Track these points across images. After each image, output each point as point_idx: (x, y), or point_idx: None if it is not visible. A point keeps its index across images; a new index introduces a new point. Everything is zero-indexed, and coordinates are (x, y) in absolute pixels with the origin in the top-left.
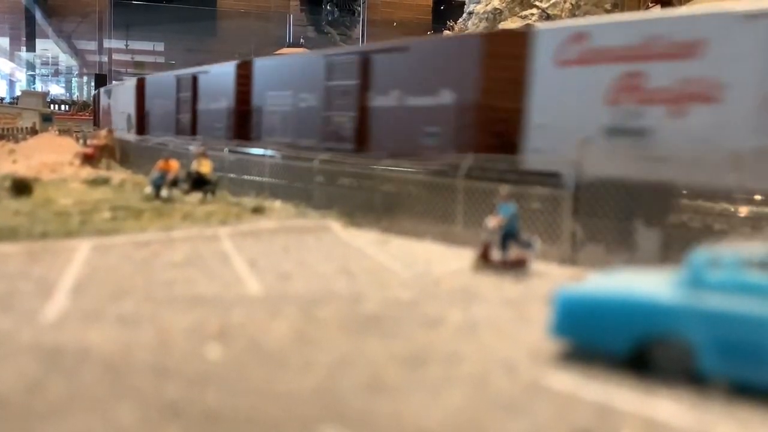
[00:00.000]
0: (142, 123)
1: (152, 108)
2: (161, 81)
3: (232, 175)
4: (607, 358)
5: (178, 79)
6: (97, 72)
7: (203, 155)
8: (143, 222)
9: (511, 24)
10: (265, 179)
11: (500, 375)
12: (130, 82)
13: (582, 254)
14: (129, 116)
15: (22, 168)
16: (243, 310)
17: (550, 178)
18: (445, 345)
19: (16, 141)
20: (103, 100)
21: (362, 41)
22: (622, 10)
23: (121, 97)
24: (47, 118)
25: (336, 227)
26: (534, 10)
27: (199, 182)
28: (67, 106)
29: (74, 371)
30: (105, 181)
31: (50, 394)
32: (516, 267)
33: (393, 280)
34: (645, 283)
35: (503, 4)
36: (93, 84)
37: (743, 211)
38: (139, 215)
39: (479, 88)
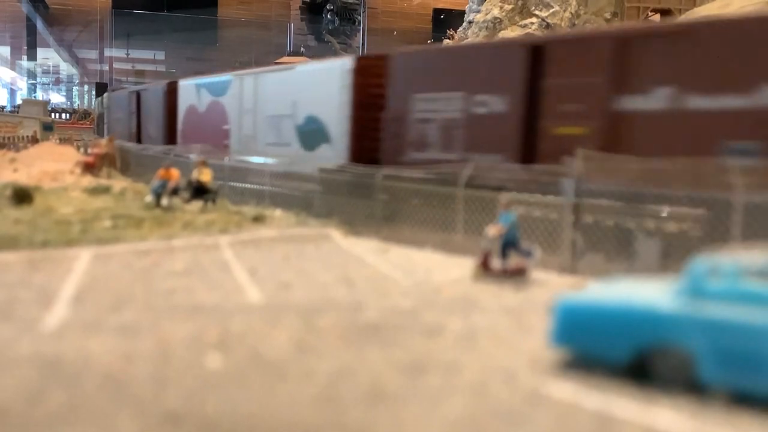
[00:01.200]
0: (364, 137)
1: (417, 110)
2: (460, 55)
3: (232, 184)
4: (607, 367)
5: (548, 48)
6: (98, 81)
7: (204, 164)
8: (144, 231)
9: (510, 33)
10: (265, 188)
11: (500, 384)
12: (326, 63)
13: (582, 263)
14: (313, 123)
15: (22, 176)
16: (243, 319)
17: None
18: (445, 354)
19: (17, 150)
20: (189, 98)
21: (362, 50)
22: (622, 19)
23: (280, 89)
24: (48, 127)
25: (336, 236)
26: (534, 19)
27: (199, 191)
28: (67, 115)
29: (74, 381)
30: (105, 190)
31: (50, 404)
32: (516, 275)
33: (393, 288)
34: (645, 292)
35: (503, 13)
36: (94, 92)
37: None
38: (139, 224)
39: None
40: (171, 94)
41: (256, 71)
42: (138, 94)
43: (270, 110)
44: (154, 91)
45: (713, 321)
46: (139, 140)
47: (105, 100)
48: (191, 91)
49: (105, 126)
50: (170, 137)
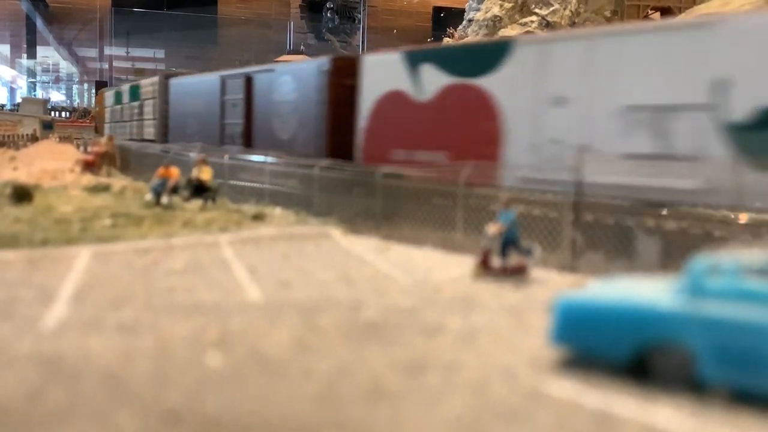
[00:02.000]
0: None
1: None
2: None
3: (232, 182)
4: (607, 366)
5: None
6: (98, 79)
7: (203, 162)
8: (143, 229)
9: (510, 31)
10: (265, 186)
11: (500, 382)
12: None
13: (582, 261)
14: None
15: (22, 175)
16: (243, 317)
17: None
18: (445, 352)
19: (17, 148)
20: (388, 81)
21: (362, 48)
22: (622, 18)
23: (667, 62)
24: (48, 125)
25: (336, 234)
26: (534, 18)
27: (199, 189)
28: (67, 113)
29: (74, 379)
30: (105, 188)
31: (50, 402)
32: (516, 274)
33: (393, 287)
34: (645, 291)
35: (503, 12)
36: (94, 91)
37: (743, 218)
38: (139, 222)
39: None
40: (340, 74)
41: (587, 33)
42: (249, 79)
43: (632, 98)
44: (295, 72)
45: (713, 319)
46: (248, 144)
47: (156, 89)
48: (394, 69)
49: (141, 122)
50: (335, 142)
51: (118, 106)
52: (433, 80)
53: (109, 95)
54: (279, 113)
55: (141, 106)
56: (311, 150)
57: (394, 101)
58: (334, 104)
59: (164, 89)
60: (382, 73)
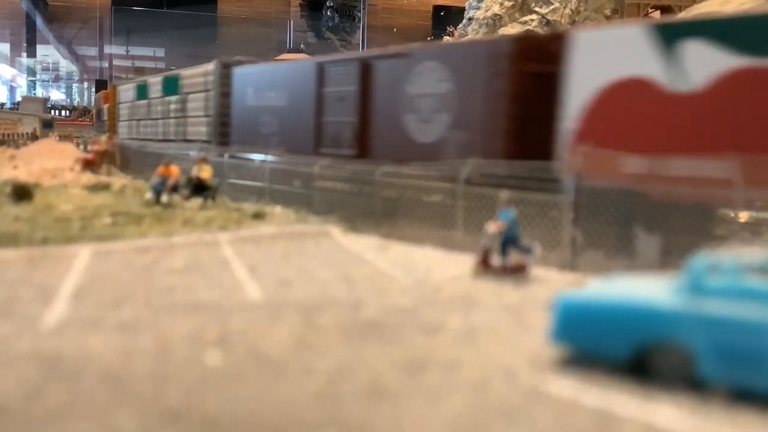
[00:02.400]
0: None
1: None
2: None
3: (232, 181)
4: (607, 364)
5: None
6: (98, 78)
7: (203, 161)
8: (143, 228)
9: (510, 30)
10: (265, 185)
11: (500, 381)
12: None
13: (582, 260)
14: None
15: (22, 174)
16: (243, 316)
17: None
18: (445, 351)
19: (17, 147)
20: (626, 64)
21: (362, 47)
22: (622, 16)
23: None
24: (48, 124)
25: (336, 233)
26: (534, 16)
27: (199, 188)
28: (67, 112)
29: (74, 378)
30: (105, 187)
31: (50, 401)
32: (516, 273)
33: (393, 286)
34: (645, 289)
35: (503, 10)
36: (93, 90)
37: (743, 216)
38: (139, 221)
39: None
40: (526, 58)
41: None
42: (366, 66)
43: None
44: (447, 56)
45: (713, 318)
46: (363, 147)
47: (211, 80)
48: (632, 49)
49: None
50: (518, 148)
51: (143, 102)
52: (706, 63)
53: (126, 89)
54: (416, 110)
55: (183, 101)
56: (477, 157)
57: (630, 93)
58: (517, 98)
59: (224, 80)
60: (609, 56)
